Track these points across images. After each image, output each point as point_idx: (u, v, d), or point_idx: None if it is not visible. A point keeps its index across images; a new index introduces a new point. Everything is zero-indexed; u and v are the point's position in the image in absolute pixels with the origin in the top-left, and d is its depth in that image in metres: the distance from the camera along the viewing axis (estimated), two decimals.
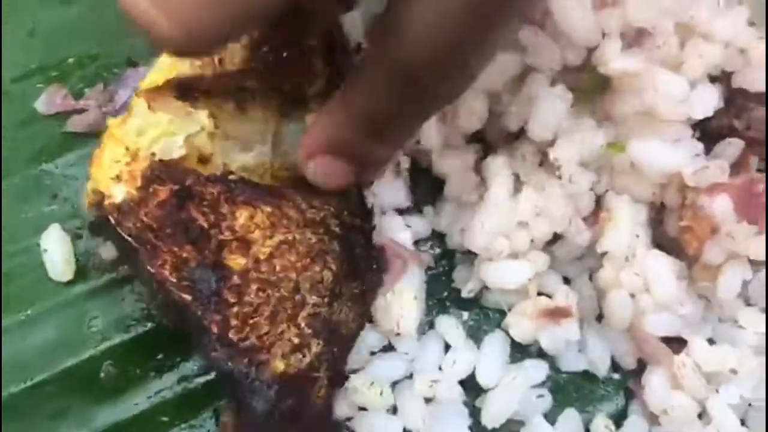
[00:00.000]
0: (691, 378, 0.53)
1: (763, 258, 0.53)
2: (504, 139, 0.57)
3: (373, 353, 0.56)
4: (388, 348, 0.56)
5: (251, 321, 0.46)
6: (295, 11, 0.39)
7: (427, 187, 0.59)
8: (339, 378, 0.51)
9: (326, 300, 0.48)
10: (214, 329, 0.46)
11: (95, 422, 0.53)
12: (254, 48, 0.49)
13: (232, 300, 0.46)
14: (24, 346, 0.54)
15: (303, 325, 0.47)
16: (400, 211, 0.58)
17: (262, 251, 0.47)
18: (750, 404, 0.55)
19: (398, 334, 0.55)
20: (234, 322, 0.46)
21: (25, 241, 0.56)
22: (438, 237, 0.59)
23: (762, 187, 0.54)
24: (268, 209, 0.48)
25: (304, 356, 0.47)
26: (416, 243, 0.58)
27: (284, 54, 0.49)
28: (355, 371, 0.55)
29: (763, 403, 0.55)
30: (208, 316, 0.46)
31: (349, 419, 0.54)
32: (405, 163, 0.58)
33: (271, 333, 0.47)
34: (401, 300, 0.55)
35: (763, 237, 0.52)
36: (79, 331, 0.54)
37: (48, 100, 0.58)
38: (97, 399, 0.53)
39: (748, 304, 0.57)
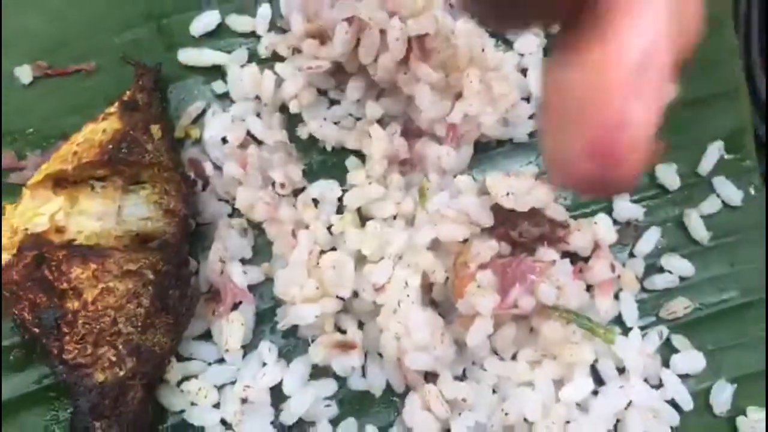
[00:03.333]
0: (435, 402, 0.72)
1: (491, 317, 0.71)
2: None
3: (209, 363, 0.76)
4: (221, 360, 0.76)
5: (79, 345, 0.67)
6: None
7: (268, 245, 0.79)
8: (152, 386, 0.70)
9: (139, 329, 0.68)
10: (54, 352, 0.67)
11: (4, 393, 0.74)
12: (102, 146, 0.71)
13: (66, 331, 0.67)
14: None
15: (120, 347, 0.67)
16: (244, 261, 0.79)
17: (90, 296, 0.67)
18: (486, 430, 0.74)
19: (227, 350, 0.75)
20: (67, 347, 0.67)
21: None
22: (272, 282, 0.78)
23: (515, 265, 0.73)
24: (94, 266, 0.68)
25: (120, 369, 0.67)
26: (253, 286, 0.78)
27: (124, 149, 0.70)
28: (195, 376, 0.75)
29: (495, 428, 0.73)
30: (49, 343, 0.67)
31: (182, 411, 0.74)
32: (244, 224, 0.78)
33: (94, 354, 0.67)
34: (232, 326, 0.75)
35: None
36: None
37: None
38: (7, 376, 0.74)
39: (494, 353, 0.76)
